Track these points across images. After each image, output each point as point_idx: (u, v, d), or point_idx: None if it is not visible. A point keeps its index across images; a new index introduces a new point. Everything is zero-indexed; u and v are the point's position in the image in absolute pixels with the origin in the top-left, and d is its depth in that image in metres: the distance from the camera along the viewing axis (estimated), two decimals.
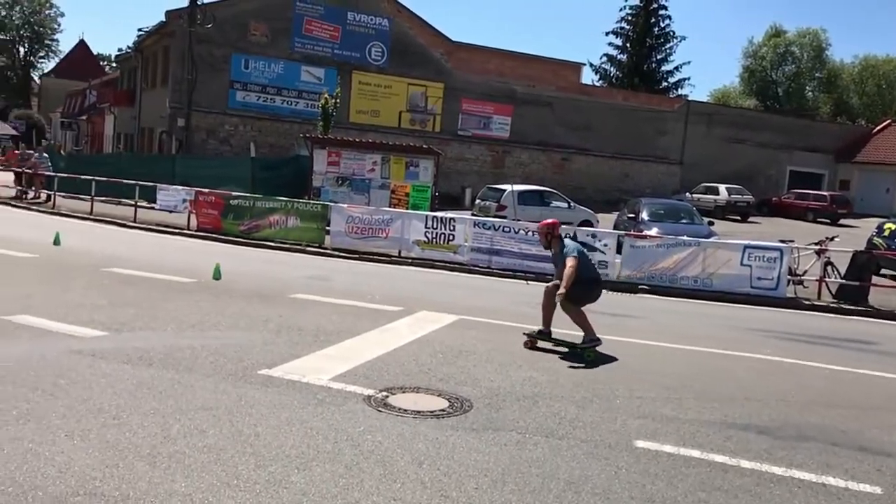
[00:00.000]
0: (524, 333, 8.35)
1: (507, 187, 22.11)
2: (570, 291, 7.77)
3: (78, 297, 9.19)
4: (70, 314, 8.06)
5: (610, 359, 7.87)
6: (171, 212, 19.51)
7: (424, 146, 22.70)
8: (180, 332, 7.77)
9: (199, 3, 27.43)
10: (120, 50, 70.33)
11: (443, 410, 5.86)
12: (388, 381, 6.52)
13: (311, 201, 18.45)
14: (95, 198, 20.89)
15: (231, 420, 5.23)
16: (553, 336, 8.19)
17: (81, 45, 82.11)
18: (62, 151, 33.37)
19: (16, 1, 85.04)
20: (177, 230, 18.15)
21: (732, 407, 6.50)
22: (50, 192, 22.63)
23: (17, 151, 28.32)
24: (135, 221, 19.09)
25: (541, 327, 8.22)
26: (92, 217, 19.92)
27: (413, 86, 33.61)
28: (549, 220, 8.61)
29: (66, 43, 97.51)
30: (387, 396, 6.09)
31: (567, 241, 8.31)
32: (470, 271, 14.88)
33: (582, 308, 8.01)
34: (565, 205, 22.85)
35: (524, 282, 14.10)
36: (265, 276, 12.33)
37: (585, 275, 7.97)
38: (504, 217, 19.11)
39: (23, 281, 10.06)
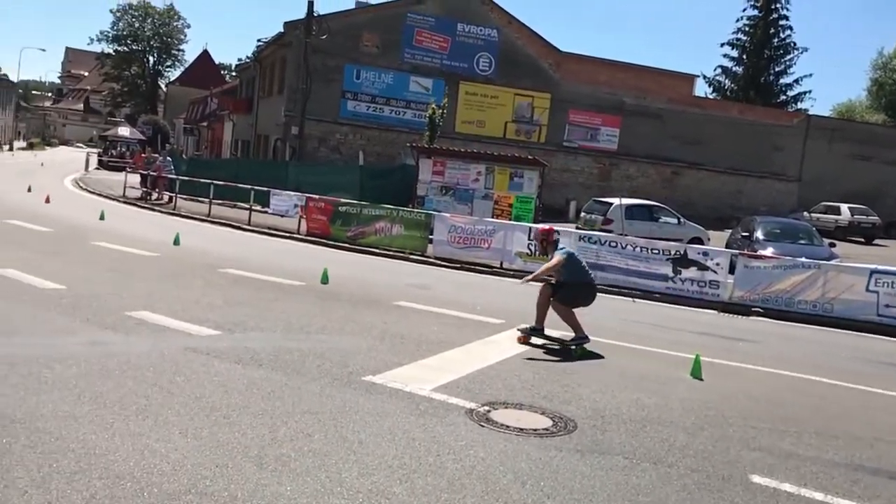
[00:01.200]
0: (518, 329, 8.76)
1: (615, 201, 21.63)
2: (561, 293, 8.39)
3: (195, 295, 9.57)
4: (187, 312, 8.40)
5: (595, 356, 7.50)
6: (282, 216, 20.18)
7: (529, 157, 22.54)
8: (289, 334, 7.96)
9: (315, 14, 28.34)
10: (240, 60, 73.75)
11: (546, 429, 5.72)
12: (491, 395, 6.43)
13: (415, 210, 18.64)
14: (213, 201, 21.86)
15: (336, 425, 5.27)
16: (546, 334, 8.52)
17: (205, 55, 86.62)
18: (184, 156, 35.20)
19: (148, 14, 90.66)
20: (287, 234, 18.72)
21: (859, 447, 6.04)
22: (172, 194, 23.85)
23: (143, 155, 30.01)
24: (249, 224, 19.82)
25: (534, 324, 8.57)
26: (209, 219, 20.82)
27: (520, 96, 33.52)
28: (546, 227, 9.16)
29: (190, 53, 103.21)
30: (489, 411, 6.00)
31: (560, 245, 8.87)
32: None
33: (574, 310, 8.43)
34: (675, 220, 22.15)
35: (630, 299, 13.71)
36: (370, 283, 12.51)
37: (576, 278, 8.50)
38: (610, 231, 18.68)
39: (145, 278, 10.58)
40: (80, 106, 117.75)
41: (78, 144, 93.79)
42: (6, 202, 20.30)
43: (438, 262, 16.06)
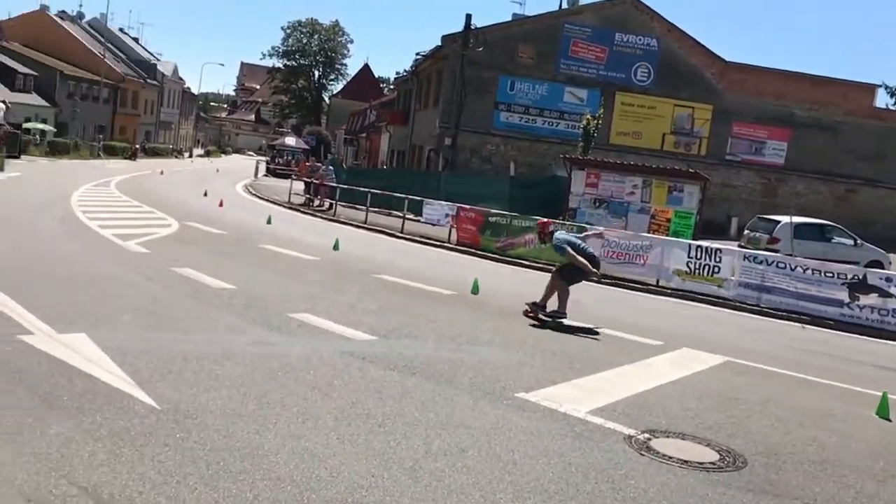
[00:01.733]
0: (525, 303, 9.94)
1: (783, 218, 20.22)
2: (566, 272, 9.86)
3: (352, 300, 9.81)
4: (344, 316, 8.59)
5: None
6: (434, 225, 20.48)
7: (690, 170, 21.53)
8: (441, 343, 7.94)
9: (472, 27, 28.66)
10: (398, 73, 76.06)
11: (713, 463, 5.29)
12: (651, 422, 6.06)
13: (567, 222, 18.27)
14: (370, 208, 22.55)
15: (489, 442, 5.13)
16: (547, 311, 9.69)
17: (365, 69, 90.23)
18: (344, 165, 36.77)
19: (315, 30, 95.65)
20: (438, 243, 18.94)
21: None
22: (332, 201, 24.85)
23: (307, 164, 31.58)
24: (402, 232, 20.25)
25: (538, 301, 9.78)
26: (366, 226, 21.48)
27: (679, 107, 32.24)
28: (544, 220, 11.39)
29: (352, 67, 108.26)
30: (649, 439, 5.64)
31: (556, 234, 10.25)
32: (736, 308, 13.71)
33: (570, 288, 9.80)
34: (850, 242, 20.38)
35: (799, 325, 12.69)
36: (520, 294, 12.29)
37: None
38: (777, 251, 17.45)
39: (307, 281, 11.00)
40: (252, 117, 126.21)
41: (249, 152, 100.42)
42: (186, 206, 21.91)
43: None
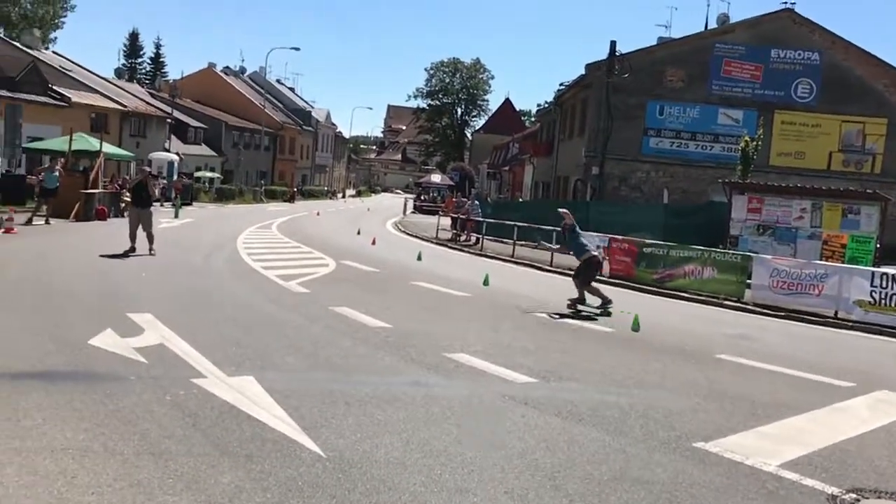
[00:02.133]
0: (568, 298, 12.47)
1: None
2: (580, 272, 12.72)
3: (507, 338, 9.54)
4: (501, 356, 8.33)
5: None
6: None
7: (868, 190, 19.70)
8: (605, 386, 7.48)
9: (617, 54, 28.04)
10: (539, 105, 76.09)
11: None
12: (856, 478, 5.31)
13: (730, 251, 17.16)
14: (516, 242, 22.34)
15: (671, 501, 4.65)
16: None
17: (507, 103, 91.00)
18: (489, 199, 37.00)
19: (457, 69, 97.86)
20: None
21: None
22: (479, 236, 24.89)
23: (454, 199, 31.97)
24: (551, 265, 19.83)
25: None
26: (513, 259, 21.26)
27: (847, 123, 29.83)
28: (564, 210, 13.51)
29: (494, 102, 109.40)
30: (857, 500, 4.93)
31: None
32: None
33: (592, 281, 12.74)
34: None
35: None
36: (683, 331, 11.59)
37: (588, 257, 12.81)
38: None
39: (460, 318, 10.86)
40: (399, 156, 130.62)
41: (397, 191, 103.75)
42: (341, 244, 22.64)
43: (758, 309, 14.51)
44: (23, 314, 8.65)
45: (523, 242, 23.24)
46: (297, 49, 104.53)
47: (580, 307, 12.28)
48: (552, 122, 42.35)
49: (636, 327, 10.89)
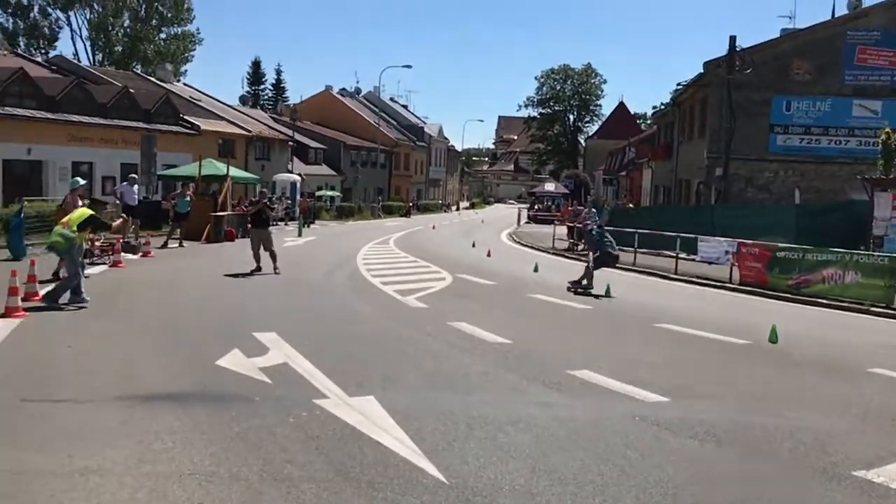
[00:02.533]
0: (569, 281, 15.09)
1: None
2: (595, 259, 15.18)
3: (634, 353, 9.08)
4: (628, 372, 7.90)
5: None
6: (711, 263, 18.94)
7: None
8: (744, 405, 6.91)
9: (737, 49, 26.67)
10: (655, 107, 73.96)
11: None
12: None
13: (875, 253, 15.82)
14: (637, 249, 21.55)
15: None
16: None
17: (620, 107, 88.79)
18: (606, 205, 36.08)
19: (567, 76, 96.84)
20: (718, 283, 17.43)
21: None
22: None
23: (569, 208, 31.36)
24: (675, 273, 18.99)
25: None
26: (635, 268, 20.52)
27: None
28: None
29: (607, 107, 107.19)
30: None
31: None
32: None
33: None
34: None
35: None
36: (827, 342, 10.69)
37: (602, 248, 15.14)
38: None
39: (582, 333, 10.47)
40: (511, 167, 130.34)
41: (510, 201, 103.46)
42: (457, 257, 22.61)
43: None
44: (156, 335, 9.01)
45: (645, 250, 22.41)
46: (409, 67, 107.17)
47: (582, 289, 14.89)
48: (670, 123, 40.89)
49: (774, 338, 10.12)
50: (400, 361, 8.07)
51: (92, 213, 11.30)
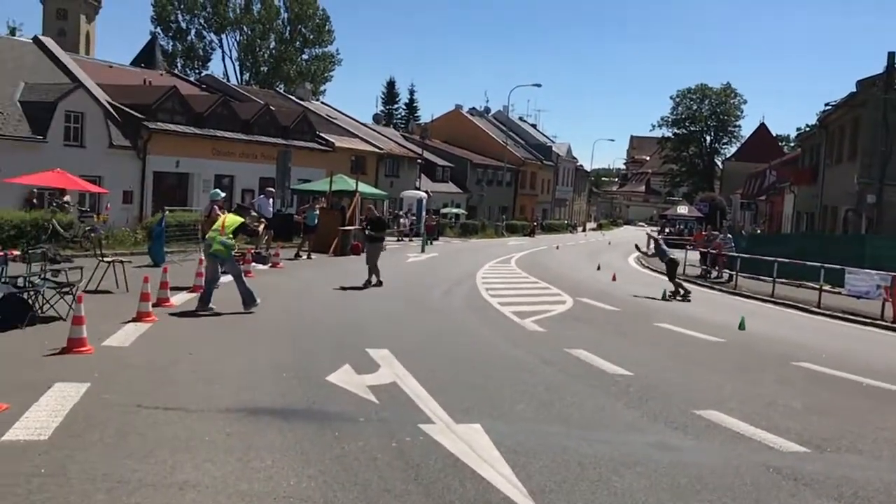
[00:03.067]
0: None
1: None
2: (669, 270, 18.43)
3: (769, 394, 8.29)
4: (762, 416, 7.19)
5: None
6: (860, 298, 17.36)
7: None
8: None
9: None
10: (799, 129, 69.86)
11: None
12: None
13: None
14: (776, 280, 20.15)
15: None
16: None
17: (761, 129, 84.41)
18: (742, 232, 34.14)
19: (705, 95, 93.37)
20: (868, 320, 15.95)
21: None
22: (732, 272, 22.89)
23: (703, 233, 29.88)
24: (818, 307, 17.55)
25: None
26: (772, 299, 19.21)
27: None
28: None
29: (746, 128, 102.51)
30: None
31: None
32: None
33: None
34: None
35: None
36: None
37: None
38: None
39: (711, 368, 9.73)
40: (642, 188, 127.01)
41: (640, 223, 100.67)
42: (580, 280, 22.02)
43: None
44: (274, 347, 9.12)
45: (784, 280, 20.93)
46: (539, 86, 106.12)
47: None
48: (816, 146, 38.29)
49: None
50: (511, 388, 7.73)
51: (242, 219, 11.79)
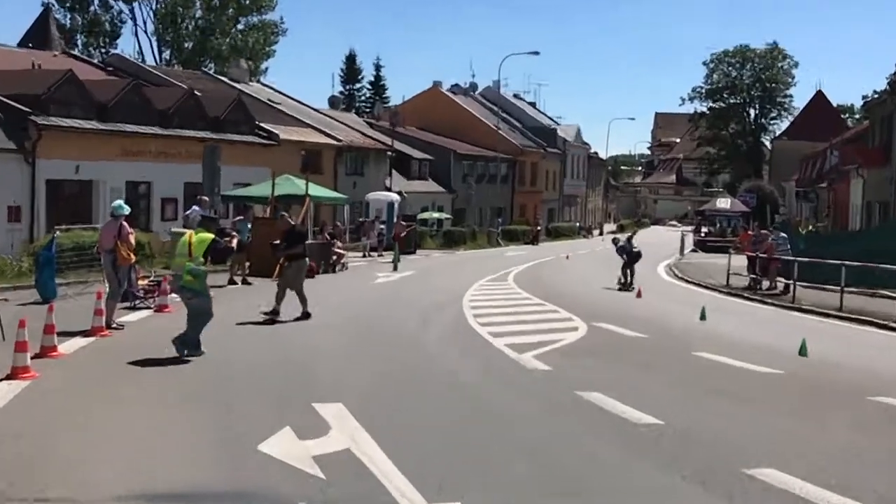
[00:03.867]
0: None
1: None
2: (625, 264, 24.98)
3: (841, 441, 8.13)
4: (833, 472, 6.95)
5: None
6: None
7: None
8: None
9: None
10: (865, 97, 70.26)
11: None
12: None
13: None
14: (844, 289, 20.08)
15: None
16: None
17: (818, 98, 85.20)
18: (800, 229, 34.11)
19: (746, 59, 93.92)
20: None
21: None
22: (787, 282, 22.81)
23: (750, 232, 29.85)
24: None
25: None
26: (840, 314, 19.23)
27: None
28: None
29: (799, 98, 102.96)
30: None
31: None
32: None
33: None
34: None
35: None
36: None
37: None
38: None
39: (767, 410, 9.53)
40: (672, 178, 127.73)
41: (671, 223, 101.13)
42: (595, 299, 21.87)
43: None
44: (191, 406, 8.82)
45: (853, 289, 20.83)
46: (537, 53, 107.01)
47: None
48: (887, 117, 38.50)
49: None
50: (504, 448, 7.50)
51: (213, 236, 11.73)
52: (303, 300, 15.50)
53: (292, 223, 17.06)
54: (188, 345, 11.16)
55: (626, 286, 24.61)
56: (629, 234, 29.14)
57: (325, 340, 13.46)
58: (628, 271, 25.09)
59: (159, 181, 32.92)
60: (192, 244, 11.30)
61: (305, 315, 15.35)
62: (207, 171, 25.47)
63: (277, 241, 16.03)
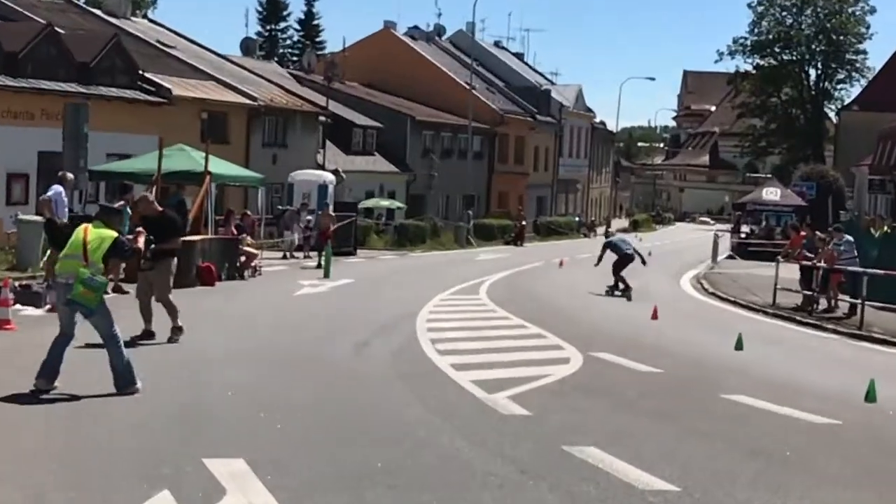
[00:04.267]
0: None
1: None
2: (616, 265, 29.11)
3: None
4: None
5: None
6: None
7: None
8: None
9: None
10: None
11: None
12: None
13: None
14: None
15: None
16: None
17: None
18: (873, 230, 34.38)
19: (806, 2, 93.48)
20: None
21: None
22: (854, 301, 23.03)
23: (802, 234, 30.04)
24: None
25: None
26: None
27: None
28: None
29: (875, 56, 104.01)
30: None
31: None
32: None
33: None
34: None
35: None
36: None
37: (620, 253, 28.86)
38: None
39: (818, 474, 9.68)
40: (705, 158, 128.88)
41: (702, 218, 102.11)
42: (593, 319, 22.11)
43: None
44: (42, 463, 8.75)
45: None
46: None
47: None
48: None
49: None
50: None
51: (116, 235, 11.65)
52: (172, 312, 15.41)
53: (160, 208, 16.59)
54: (122, 376, 11.32)
55: (613, 290, 28.22)
56: (636, 234, 34.26)
57: (226, 374, 13.40)
58: (620, 275, 28.31)
59: (7, 150, 32.65)
60: (87, 244, 11.14)
61: (177, 331, 15.34)
62: (71, 138, 25.23)
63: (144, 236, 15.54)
